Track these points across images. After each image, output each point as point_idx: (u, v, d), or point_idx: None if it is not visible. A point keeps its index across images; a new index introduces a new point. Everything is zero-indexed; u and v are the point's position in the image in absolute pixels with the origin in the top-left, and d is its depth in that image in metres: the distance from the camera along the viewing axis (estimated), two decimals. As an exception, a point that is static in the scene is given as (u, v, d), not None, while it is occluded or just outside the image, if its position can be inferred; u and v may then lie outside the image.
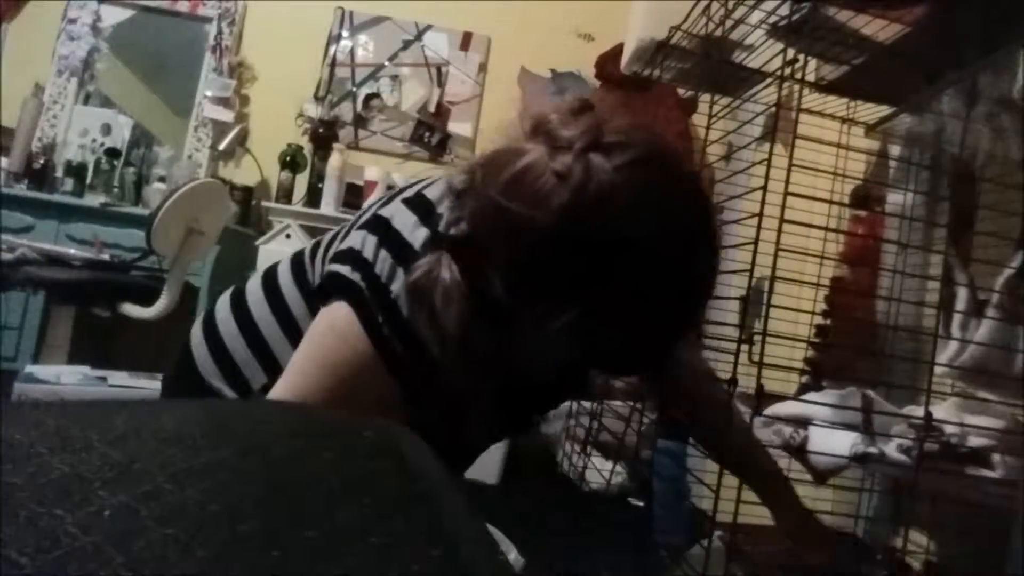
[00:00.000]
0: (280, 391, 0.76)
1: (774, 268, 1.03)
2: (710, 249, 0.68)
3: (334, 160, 3.05)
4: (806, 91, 1.26)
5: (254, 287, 0.94)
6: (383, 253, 0.77)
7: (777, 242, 1.01)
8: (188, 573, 0.20)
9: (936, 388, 1.05)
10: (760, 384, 1.03)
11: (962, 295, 1.08)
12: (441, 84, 3.46)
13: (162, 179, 3.12)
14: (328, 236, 0.91)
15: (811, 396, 1.17)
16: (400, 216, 0.80)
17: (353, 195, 3.11)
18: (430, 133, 3.44)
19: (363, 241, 0.80)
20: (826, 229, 1.32)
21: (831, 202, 1.29)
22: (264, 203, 3.15)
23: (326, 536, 0.23)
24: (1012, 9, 1.00)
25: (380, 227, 0.80)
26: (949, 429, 1.00)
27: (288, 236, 2.76)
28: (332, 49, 3.42)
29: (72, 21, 3.27)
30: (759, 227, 1.06)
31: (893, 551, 1.24)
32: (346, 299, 0.77)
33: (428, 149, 3.43)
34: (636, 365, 0.82)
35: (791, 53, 1.19)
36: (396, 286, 0.75)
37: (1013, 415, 1.04)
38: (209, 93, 3.29)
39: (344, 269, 0.79)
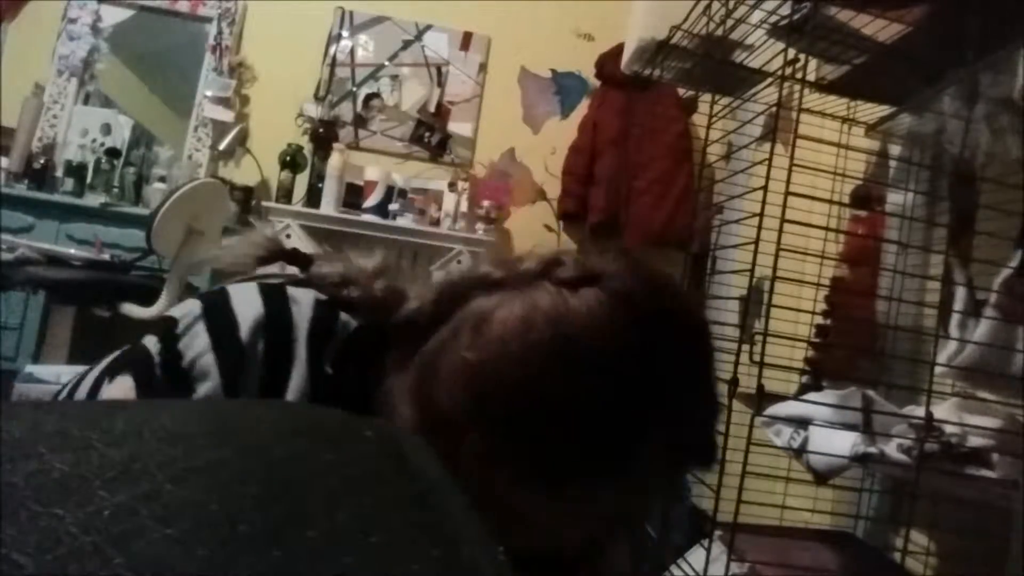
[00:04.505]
0: None
1: (775, 268, 1.03)
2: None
3: (334, 160, 3.05)
4: (806, 91, 1.26)
5: None
6: None
7: (778, 242, 1.01)
8: (188, 573, 0.20)
9: (936, 388, 1.04)
10: (760, 384, 1.03)
11: (961, 295, 1.08)
12: (441, 84, 3.46)
13: (162, 179, 3.11)
14: None
15: (811, 396, 1.17)
16: None
17: (353, 195, 3.10)
18: (430, 133, 3.44)
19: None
20: (826, 229, 1.32)
21: (831, 202, 1.29)
22: (264, 203, 3.15)
23: (326, 536, 0.23)
24: (1012, 9, 1.00)
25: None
26: (949, 429, 1.00)
27: (288, 236, 2.76)
28: (332, 49, 3.41)
29: (72, 21, 3.26)
30: (760, 227, 1.06)
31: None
32: None
33: (428, 149, 3.43)
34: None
35: (792, 53, 1.19)
36: None
37: (1013, 415, 1.04)
38: (209, 93, 3.29)
39: None
